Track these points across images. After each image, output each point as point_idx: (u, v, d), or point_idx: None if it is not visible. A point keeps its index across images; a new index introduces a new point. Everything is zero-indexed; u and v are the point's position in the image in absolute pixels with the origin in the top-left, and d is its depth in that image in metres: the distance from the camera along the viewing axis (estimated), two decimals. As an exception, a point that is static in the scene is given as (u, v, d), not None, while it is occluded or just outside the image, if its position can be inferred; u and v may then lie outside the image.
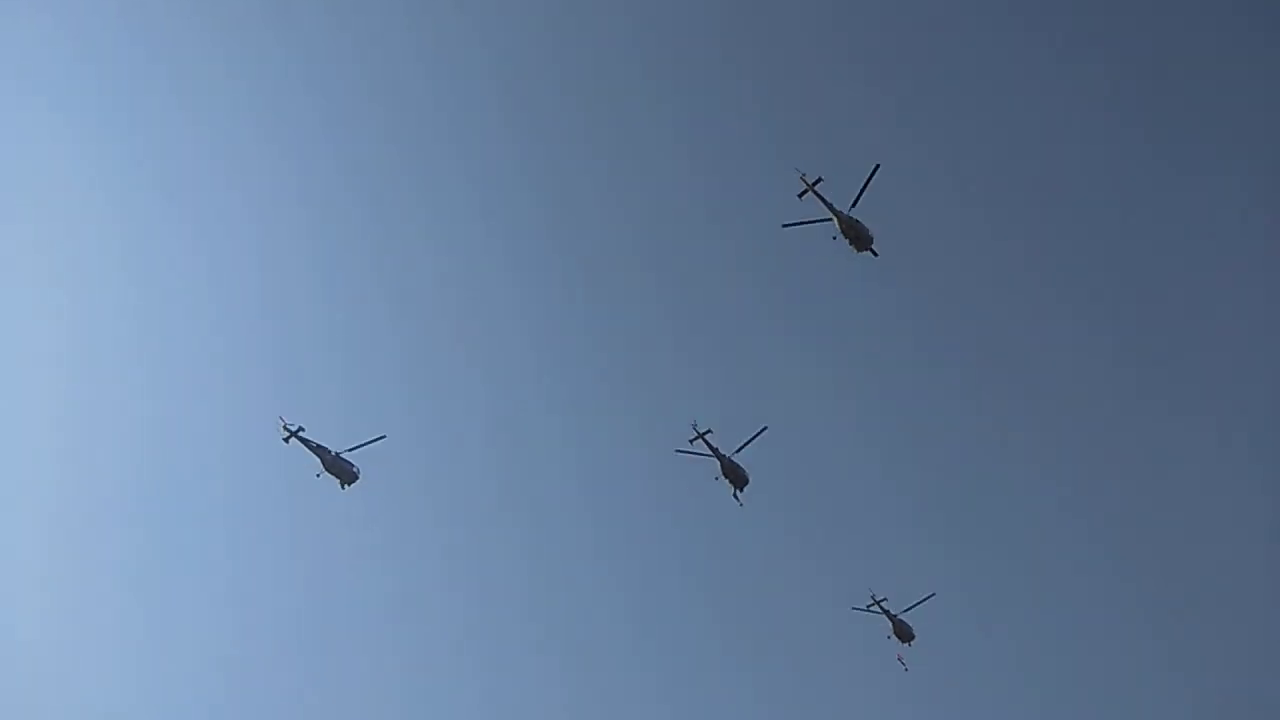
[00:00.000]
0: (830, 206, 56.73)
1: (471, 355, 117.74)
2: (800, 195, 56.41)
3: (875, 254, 60.03)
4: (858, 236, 58.63)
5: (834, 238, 58.88)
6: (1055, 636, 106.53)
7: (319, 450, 70.25)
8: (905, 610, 74.76)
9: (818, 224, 58.34)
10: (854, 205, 56.74)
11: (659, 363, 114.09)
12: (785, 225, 59.27)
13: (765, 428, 67.19)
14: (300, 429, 68.77)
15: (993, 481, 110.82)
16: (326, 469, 71.26)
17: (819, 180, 55.98)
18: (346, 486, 73.06)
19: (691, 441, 66.05)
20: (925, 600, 74.29)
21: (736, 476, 68.28)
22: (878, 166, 55.21)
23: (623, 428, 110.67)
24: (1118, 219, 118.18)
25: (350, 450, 71.04)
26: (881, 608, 73.69)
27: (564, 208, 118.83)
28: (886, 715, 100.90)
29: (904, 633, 75.27)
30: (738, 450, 66.88)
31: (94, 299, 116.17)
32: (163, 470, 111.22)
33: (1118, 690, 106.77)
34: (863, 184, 55.84)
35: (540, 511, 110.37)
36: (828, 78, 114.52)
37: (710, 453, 66.57)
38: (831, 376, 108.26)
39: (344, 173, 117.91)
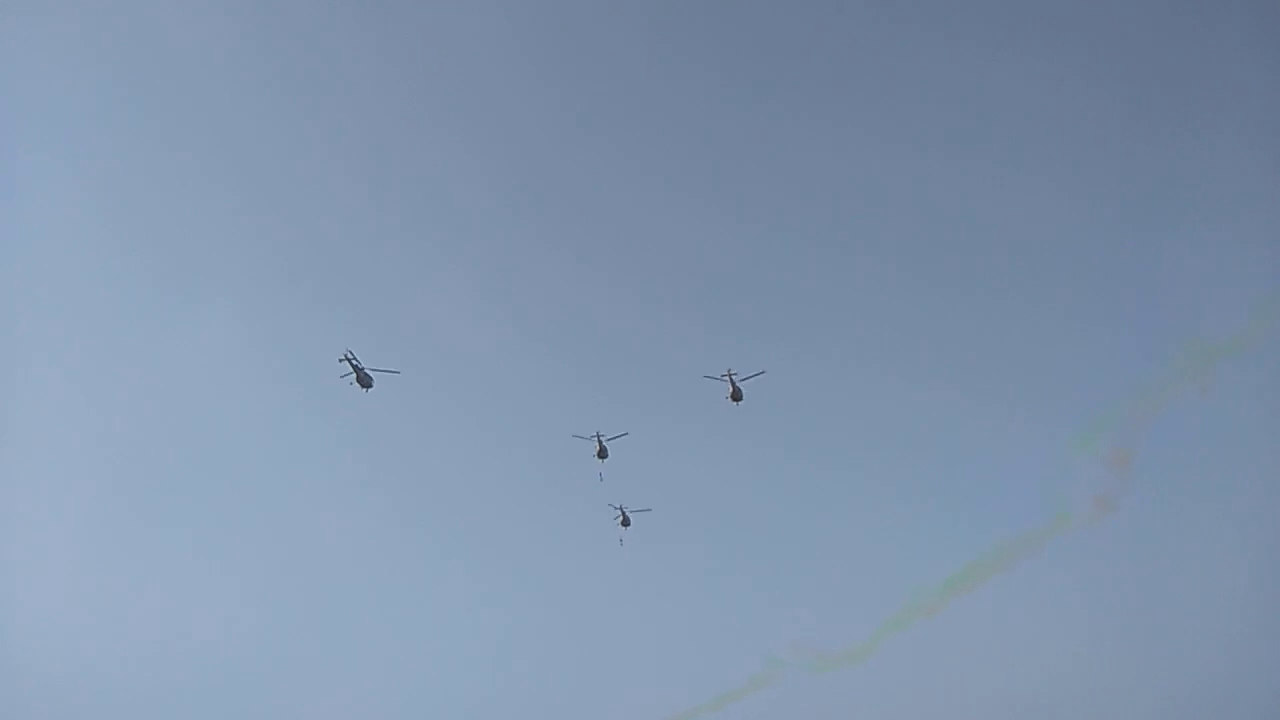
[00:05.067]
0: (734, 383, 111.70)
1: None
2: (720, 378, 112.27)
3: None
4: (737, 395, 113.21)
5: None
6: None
7: (355, 367, 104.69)
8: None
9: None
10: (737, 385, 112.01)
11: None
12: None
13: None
14: (356, 358, 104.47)
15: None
16: (357, 381, 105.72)
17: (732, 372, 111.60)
18: (366, 390, 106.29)
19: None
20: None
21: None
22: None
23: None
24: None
25: (374, 370, 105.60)
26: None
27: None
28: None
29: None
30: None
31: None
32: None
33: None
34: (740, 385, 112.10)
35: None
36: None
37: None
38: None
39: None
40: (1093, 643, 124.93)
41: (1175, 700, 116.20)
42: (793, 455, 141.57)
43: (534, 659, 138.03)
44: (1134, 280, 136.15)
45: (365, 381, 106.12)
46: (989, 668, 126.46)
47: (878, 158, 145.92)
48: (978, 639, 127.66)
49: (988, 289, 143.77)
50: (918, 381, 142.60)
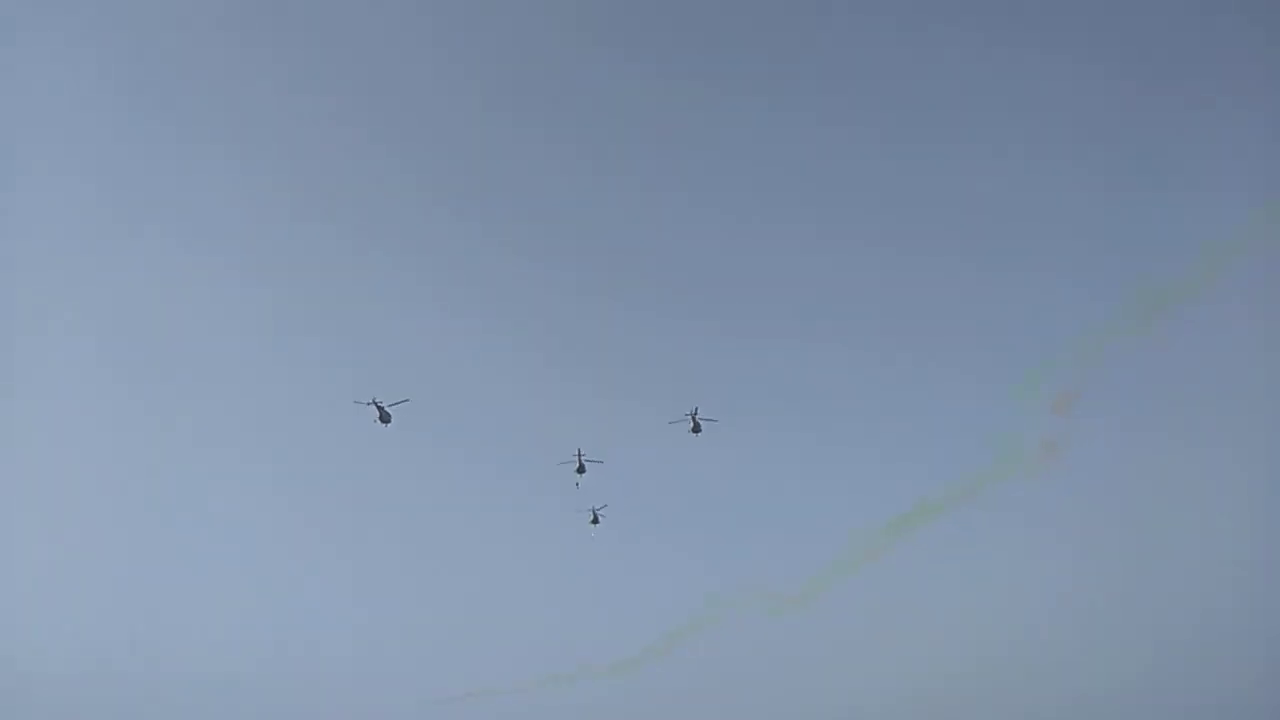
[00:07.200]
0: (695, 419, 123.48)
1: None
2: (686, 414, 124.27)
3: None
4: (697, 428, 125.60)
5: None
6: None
7: (380, 408, 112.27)
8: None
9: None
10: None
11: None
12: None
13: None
14: (380, 402, 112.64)
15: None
16: (379, 418, 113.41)
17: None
18: (385, 425, 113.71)
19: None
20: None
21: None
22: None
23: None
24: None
25: (392, 404, 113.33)
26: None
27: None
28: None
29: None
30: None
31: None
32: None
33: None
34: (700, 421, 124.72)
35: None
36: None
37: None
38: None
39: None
40: (1040, 584, 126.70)
41: (1120, 637, 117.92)
42: (740, 399, 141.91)
43: (483, 605, 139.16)
44: (1082, 223, 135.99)
45: (386, 418, 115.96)
46: (936, 610, 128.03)
47: (817, 112, 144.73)
48: (924, 582, 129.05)
49: (933, 232, 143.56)
50: (863, 324, 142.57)
